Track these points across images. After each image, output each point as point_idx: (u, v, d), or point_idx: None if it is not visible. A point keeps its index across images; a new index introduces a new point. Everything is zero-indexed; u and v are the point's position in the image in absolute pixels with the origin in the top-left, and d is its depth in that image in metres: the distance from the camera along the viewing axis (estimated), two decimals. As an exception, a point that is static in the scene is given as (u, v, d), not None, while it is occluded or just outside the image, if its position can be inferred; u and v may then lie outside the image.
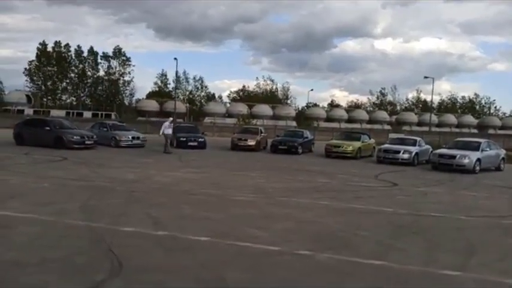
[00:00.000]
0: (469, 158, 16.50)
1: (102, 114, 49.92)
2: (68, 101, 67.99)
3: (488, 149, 17.76)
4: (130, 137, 21.20)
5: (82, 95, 68.36)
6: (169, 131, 19.63)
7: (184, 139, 22.08)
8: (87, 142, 18.96)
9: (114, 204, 7.66)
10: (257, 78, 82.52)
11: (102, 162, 14.42)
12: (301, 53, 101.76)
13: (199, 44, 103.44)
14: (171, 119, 22.14)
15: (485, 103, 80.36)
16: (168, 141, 19.18)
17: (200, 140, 22.40)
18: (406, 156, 18.50)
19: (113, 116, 48.91)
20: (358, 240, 6.10)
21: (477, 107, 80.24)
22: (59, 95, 67.70)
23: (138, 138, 21.53)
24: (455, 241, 6.30)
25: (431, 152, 20.18)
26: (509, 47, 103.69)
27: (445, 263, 5.15)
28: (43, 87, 65.84)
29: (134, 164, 14.18)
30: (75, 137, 18.65)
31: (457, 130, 58.18)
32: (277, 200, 8.94)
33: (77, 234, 5.72)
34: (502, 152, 19.04)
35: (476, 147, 17.52)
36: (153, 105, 53.96)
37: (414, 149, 18.93)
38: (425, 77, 52.83)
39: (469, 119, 66.48)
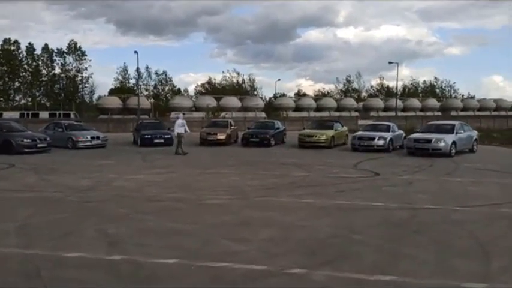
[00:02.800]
0: (445, 141, 16.14)
1: (60, 113, 46.84)
2: (23, 101, 63.76)
3: (462, 131, 17.49)
4: (88, 137, 19.49)
5: (37, 94, 64.30)
6: (182, 130, 17.25)
7: (149, 136, 20.62)
8: (39, 145, 17.16)
9: (61, 221, 6.39)
10: (223, 72, 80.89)
11: (55, 167, 12.88)
12: (265, 44, 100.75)
13: (162, 37, 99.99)
14: (181, 114, 19.75)
15: (445, 86, 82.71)
16: (181, 142, 17.02)
17: (166, 136, 20.98)
18: (381, 142, 17.99)
19: (72, 116, 46.04)
20: (355, 247, 5.20)
21: (438, 90, 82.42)
22: (12, 95, 63.33)
23: (97, 138, 19.84)
24: (463, 240, 5.53)
25: (405, 137, 19.92)
26: (463, 31, 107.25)
27: (463, 271, 4.34)
28: (-7, 88, 61.28)
29: (92, 168, 12.74)
30: (25, 140, 16.83)
31: (422, 114, 59.23)
32: (255, 201, 7.94)
33: (5, 267, 4.47)
34: (475, 133, 18.89)
35: (450, 129, 17.20)
36: (115, 102, 51.24)
37: (389, 135, 18.46)
38: (390, 62, 53.51)
39: (433, 102, 67.89)
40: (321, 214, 6.92)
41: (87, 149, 18.77)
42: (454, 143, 16.35)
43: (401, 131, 20.39)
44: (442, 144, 16.05)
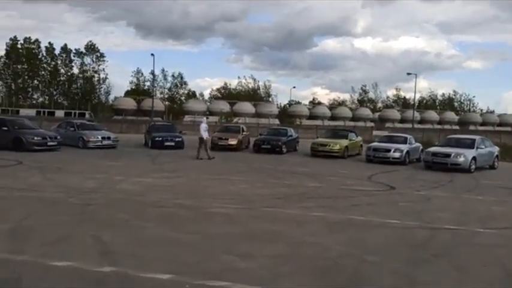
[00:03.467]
0: (465, 156, 15.45)
1: (75, 113, 47.37)
2: (40, 99, 64.75)
3: (483, 146, 16.76)
4: (99, 137, 19.34)
5: (55, 93, 65.24)
6: (206, 134, 16.81)
7: (160, 139, 20.37)
8: (49, 143, 17.08)
9: (57, 224, 6.07)
10: (239, 77, 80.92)
11: (63, 166, 12.68)
12: (282, 52, 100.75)
13: (181, 42, 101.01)
14: (205, 118, 19.32)
15: (463, 100, 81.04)
16: (205, 145, 16.53)
17: (177, 139, 20.71)
18: (397, 154, 17.37)
19: (87, 115, 46.47)
20: (369, 270, 4.72)
21: (456, 104, 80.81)
22: (30, 93, 64.43)
23: (108, 138, 19.67)
24: (488, 268, 4.99)
25: (422, 150, 19.25)
26: (483, 45, 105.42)
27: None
28: (13, 86, 62.46)
29: (99, 168, 12.50)
30: (35, 138, 16.74)
31: (439, 127, 58.01)
32: (263, 211, 7.51)
33: (-12, 274, 4.14)
34: (496, 149, 18.10)
35: (470, 144, 16.49)
36: (130, 103, 51.62)
37: (405, 147, 17.82)
38: (409, 73, 52.43)
39: (451, 115, 66.55)
40: (333, 230, 6.44)
41: (98, 149, 18.61)
42: (474, 158, 15.65)
43: (418, 144, 19.71)
44: (461, 159, 15.37)
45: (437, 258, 5.28)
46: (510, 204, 9.47)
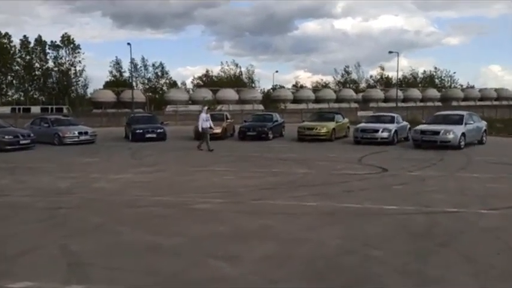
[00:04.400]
0: (454, 132, 15.16)
1: (52, 108, 45.64)
2: (15, 96, 62.43)
3: (471, 122, 16.49)
4: (76, 132, 18.40)
5: (30, 89, 62.91)
6: (207, 125, 15.80)
7: (141, 131, 19.57)
8: (22, 142, 16.12)
9: (20, 234, 5.40)
10: (221, 63, 79.54)
11: (35, 166, 11.87)
12: (263, 36, 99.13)
13: (160, 31, 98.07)
14: (206, 108, 17.95)
15: (444, 76, 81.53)
16: (207, 137, 15.57)
17: (159, 130, 19.95)
18: (385, 134, 17.02)
19: (65, 110, 44.81)
20: (374, 267, 4.21)
21: (437, 80, 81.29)
22: (5, 90, 61.95)
23: (86, 133, 18.74)
24: (503, 255, 4.55)
25: (410, 128, 18.95)
26: (461, 21, 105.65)
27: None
28: (-15, 83, 59.90)
29: (74, 166, 11.72)
30: (6, 137, 15.78)
31: (422, 104, 58.19)
32: (250, 204, 6.95)
33: None
34: (483, 124, 17.88)
35: (458, 120, 16.19)
36: (109, 95, 50.01)
37: (393, 127, 17.47)
38: (390, 52, 52.09)
39: (433, 92, 66.80)
40: (328, 221, 5.93)
41: (75, 145, 17.71)
42: (463, 134, 15.38)
43: (406, 123, 19.41)
44: (451, 136, 15.07)
45: (444, 247, 4.82)
46: (507, 180, 9.13)
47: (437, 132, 15.33)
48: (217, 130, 19.79)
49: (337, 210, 6.53)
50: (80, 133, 18.50)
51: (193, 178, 9.68)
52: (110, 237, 5.24)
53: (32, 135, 16.78)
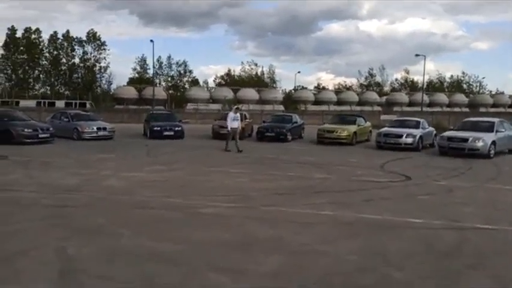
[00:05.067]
0: (484, 140, 14.31)
1: (76, 103, 46.50)
2: (42, 90, 63.97)
3: (502, 130, 15.57)
4: (95, 128, 18.40)
5: (56, 83, 64.39)
6: (236, 124, 15.23)
7: (159, 128, 19.45)
8: (41, 136, 16.18)
9: (18, 233, 5.15)
10: (242, 62, 79.45)
11: (50, 160, 11.79)
12: (286, 37, 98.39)
13: (184, 29, 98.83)
14: (235, 107, 17.23)
15: (472, 81, 78.93)
16: (231, 137, 15.04)
17: (177, 128, 19.77)
18: (409, 140, 16.28)
19: (88, 105, 45.63)
20: (393, 291, 3.73)
21: (465, 85, 78.77)
22: (32, 84, 63.62)
23: (104, 129, 18.73)
24: (544, 284, 3.99)
25: (435, 134, 18.13)
26: (490, 25, 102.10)
27: None
28: (13, 77, 61.65)
29: (89, 162, 11.58)
30: (26, 130, 15.87)
31: (449, 109, 56.39)
32: (262, 211, 6.54)
33: None
34: (515, 132, 16.90)
35: (489, 128, 15.32)
36: (131, 92, 50.53)
37: (418, 132, 16.69)
38: (417, 55, 50.66)
39: (460, 97, 64.66)
40: (345, 233, 5.45)
41: (93, 140, 17.71)
42: (493, 142, 14.52)
43: (431, 128, 18.59)
44: (480, 144, 14.24)
45: (474, 269, 4.29)
46: (543, 195, 8.40)
47: (465, 140, 14.52)
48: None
49: (356, 221, 6.04)
50: (99, 128, 18.51)
51: (206, 179, 9.34)
52: (110, 241, 4.92)
53: (51, 129, 16.85)
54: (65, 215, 6.09)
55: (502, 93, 71.94)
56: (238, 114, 15.62)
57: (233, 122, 15.21)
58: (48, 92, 61.91)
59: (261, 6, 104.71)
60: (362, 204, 7.11)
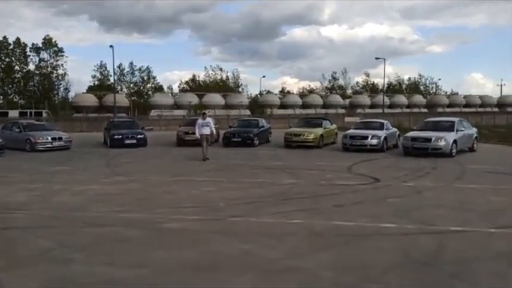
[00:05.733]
0: (446, 140, 14.57)
1: (31, 112, 44.06)
2: (-6, 100, 60.19)
3: (462, 129, 15.97)
4: (49, 138, 17.26)
5: (10, 92, 60.86)
6: (206, 130, 14.22)
7: (120, 137, 18.54)
8: (-12, 148, 14.97)
9: None
10: (205, 67, 78.58)
11: (-3, 175, 10.80)
12: (251, 42, 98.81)
13: (147, 35, 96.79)
14: (202, 112, 16.01)
15: (429, 83, 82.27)
16: (205, 144, 14.07)
17: (139, 136, 18.94)
18: (374, 141, 16.37)
19: (44, 114, 43.33)
20: (375, 311, 3.41)
21: (422, 87, 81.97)
22: (-18, 93, 59.78)
23: (60, 139, 17.63)
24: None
25: (398, 135, 18.40)
26: (444, 30, 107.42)
27: None
28: (-38, 86, 57.75)
29: (40, 176, 10.69)
30: (-29, 143, 14.62)
31: (408, 110, 58.31)
32: (230, 222, 6.10)
33: None
34: (474, 131, 17.39)
35: (450, 127, 15.65)
36: (91, 99, 48.62)
37: (383, 133, 16.84)
38: (377, 58, 51.96)
39: (419, 98, 67.13)
40: (318, 244, 5.12)
41: (48, 151, 16.60)
42: (455, 141, 14.82)
43: (395, 129, 18.84)
44: (442, 143, 14.49)
45: (459, 280, 4.05)
46: (508, 193, 8.47)
47: (428, 139, 14.74)
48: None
49: (328, 229, 5.72)
50: (54, 139, 17.39)
51: (170, 190, 8.78)
52: (56, 269, 4.31)
53: (0, 140, 15.62)
54: (6, 239, 5.39)
55: (457, 93, 75.46)
56: (208, 120, 14.58)
57: (202, 128, 14.28)
58: (1, 102, 58.42)
59: (224, 11, 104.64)
60: (333, 210, 6.83)
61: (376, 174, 10.51)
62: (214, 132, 14.89)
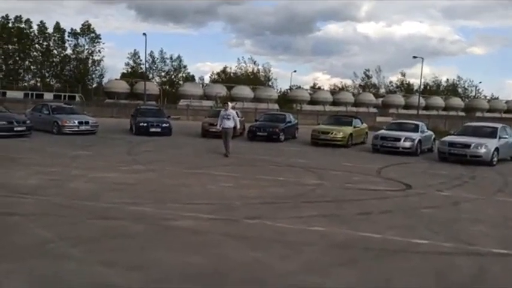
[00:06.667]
0: (487, 147, 13.51)
1: (65, 96, 45.25)
2: (32, 82, 62.40)
3: (506, 136, 14.77)
4: (76, 121, 17.35)
5: (47, 75, 62.85)
6: (228, 123, 13.04)
7: (145, 124, 18.42)
8: (16, 129, 15.14)
9: None
10: (238, 59, 78.27)
11: (19, 156, 10.79)
12: (284, 36, 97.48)
13: (182, 25, 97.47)
14: (231, 104, 14.63)
15: (468, 86, 78.64)
16: (228, 139, 13.03)
17: (164, 125, 18.76)
18: (407, 144, 15.44)
19: (77, 98, 44.45)
20: None
21: (460, 90, 78.50)
22: (22, 75, 62.01)
23: (87, 123, 17.70)
24: None
25: (434, 138, 17.34)
26: (486, 31, 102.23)
27: None
28: (3, 67, 60.04)
29: (61, 160, 10.58)
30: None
31: (445, 113, 55.89)
32: (245, 225, 5.62)
33: None
34: (518, 139, 16.12)
35: (491, 133, 14.52)
36: (122, 86, 49.35)
37: (417, 136, 15.86)
38: (414, 57, 49.73)
39: (457, 101, 64.29)
40: (340, 258, 4.55)
41: (74, 135, 16.70)
42: (496, 149, 13.73)
43: (430, 132, 17.76)
44: (483, 150, 13.43)
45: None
46: (560, 211, 7.57)
47: (467, 146, 13.70)
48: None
49: (352, 241, 5.14)
50: (80, 123, 17.47)
51: (186, 183, 8.40)
52: (47, 266, 3.96)
53: (28, 122, 15.83)
54: (8, 227, 5.13)
55: (497, 98, 71.71)
56: (230, 112, 13.35)
57: (224, 120, 13.19)
58: (39, 84, 60.43)
59: (259, 4, 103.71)
60: (358, 219, 6.21)
61: (407, 180, 9.76)
62: (238, 126, 13.76)
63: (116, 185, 7.77)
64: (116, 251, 4.43)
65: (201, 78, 70.90)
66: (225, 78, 66.85)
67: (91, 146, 13.83)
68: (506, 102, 65.83)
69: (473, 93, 77.41)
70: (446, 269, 4.38)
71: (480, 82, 78.89)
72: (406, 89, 73.62)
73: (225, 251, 4.56)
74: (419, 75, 65.95)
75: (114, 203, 6.45)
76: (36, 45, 60.92)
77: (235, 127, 13.32)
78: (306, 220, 5.94)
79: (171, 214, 5.94)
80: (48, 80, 62.31)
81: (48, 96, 44.67)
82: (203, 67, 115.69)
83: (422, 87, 71.80)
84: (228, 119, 13.08)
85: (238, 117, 20.47)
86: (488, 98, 73.07)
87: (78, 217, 5.61)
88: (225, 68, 70.78)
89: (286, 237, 5.15)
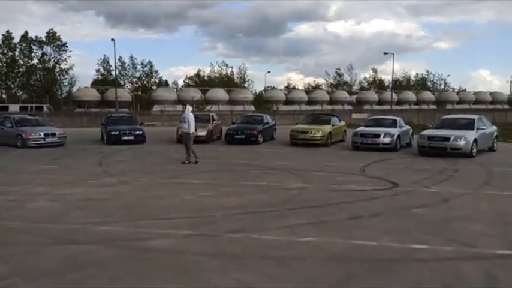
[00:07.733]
0: (466, 139, 13.46)
1: (32, 107, 43.29)
2: (-4, 94, 59.59)
3: (483, 127, 14.80)
4: (41, 133, 16.34)
5: (13, 86, 60.18)
6: (187, 128, 11.96)
7: (117, 133, 17.56)
8: (-25, 144, 14.08)
9: None
10: (211, 63, 77.53)
11: (-24, 175, 9.86)
12: (256, 38, 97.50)
13: (153, 30, 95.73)
14: (189, 107, 13.07)
15: (437, 80, 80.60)
16: (187, 145, 12.03)
17: (137, 132, 17.94)
18: (387, 140, 15.26)
19: (45, 109, 42.59)
20: None
21: (429, 83, 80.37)
22: (-15, 87, 59.15)
23: (53, 134, 16.70)
24: None
25: (412, 133, 17.28)
26: (450, 26, 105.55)
27: None
28: (-34, 79, 57.14)
29: (22, 176, 9.73)
30: (-44, 139, 13.73)
31: (417, 107, 56.89)
32: (226, 240, 5.08)
33: None
34: (494, 129, 16.20)
35: (469, 125, 14.49)
36: (92, 94, 47.73)
37: (396, 131, 15.71)
38: (385, 53, 50.45)
39: (428, 95, 65.63)
40: (336, 275, 4.07)
41: (40, 147, 15.70)
42: (475, 141, 13.69)
43: (408, 127, 17.70)
44: (462, 142, 13.37)
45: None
46: (550, 202, 7.39)
47: (447, 138, 13.61)
48: (202, 133, 17.86)
49: (346, 251, 4.68)
50: (47, 134, 16.47)
51: (162, 194, 7.77)
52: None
53: (-12, 136, 14.76)
54: (-47, 259, 4.41)
55: (465, 90, 73.74)
56: (186, 115, 12.15)
57: (182, 123, 12.26)
58: (4, 96, 57.78)
59: (230, 7, 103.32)
60: (349, 225, 5.78)
61: (393, 178, 9.46)
62: (192, 130, 12.05)
63: (83, 202, 7.07)
64: (81, 283, 3.80)
65: (175, 83, 69.76)
66: (199, 81, 65.94)
67: (58, 159, 12.94)
68: (474, 93, 67.69)
69: (442, 87, 79.41)
70: (451, 276, 3.99)
71: (448, 75, 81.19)
72: (378, 85, 74.76)
73: (207, 275, 4.00)
74: (390, 71, 67.23)
75: (81, 223, 5.77)
76: (0, 56, 58.28)
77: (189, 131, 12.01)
78: (294, 230, 5.45)
79: (145, 233, 5.34)
80: (13, 91, 59.68)
81: (13, 108, 42.55)
82: (176, 72, 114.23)
83: (393, 83, 73.22)
84: (185, 122, 12.12)
85: (214, 120, 20.01)
86: (456, 90, 75.10)
87: (38, 244, 4.92)
88: (198, 71, 69.98)
89: (275, 252, 4.64)
